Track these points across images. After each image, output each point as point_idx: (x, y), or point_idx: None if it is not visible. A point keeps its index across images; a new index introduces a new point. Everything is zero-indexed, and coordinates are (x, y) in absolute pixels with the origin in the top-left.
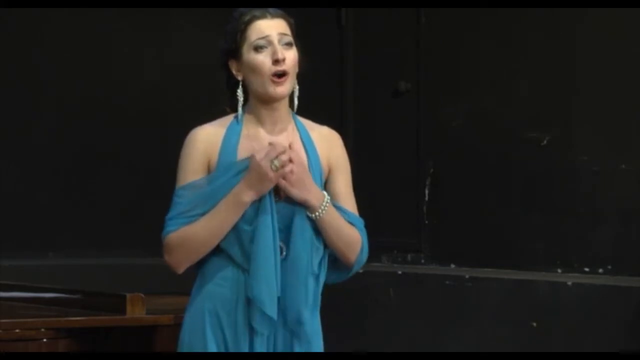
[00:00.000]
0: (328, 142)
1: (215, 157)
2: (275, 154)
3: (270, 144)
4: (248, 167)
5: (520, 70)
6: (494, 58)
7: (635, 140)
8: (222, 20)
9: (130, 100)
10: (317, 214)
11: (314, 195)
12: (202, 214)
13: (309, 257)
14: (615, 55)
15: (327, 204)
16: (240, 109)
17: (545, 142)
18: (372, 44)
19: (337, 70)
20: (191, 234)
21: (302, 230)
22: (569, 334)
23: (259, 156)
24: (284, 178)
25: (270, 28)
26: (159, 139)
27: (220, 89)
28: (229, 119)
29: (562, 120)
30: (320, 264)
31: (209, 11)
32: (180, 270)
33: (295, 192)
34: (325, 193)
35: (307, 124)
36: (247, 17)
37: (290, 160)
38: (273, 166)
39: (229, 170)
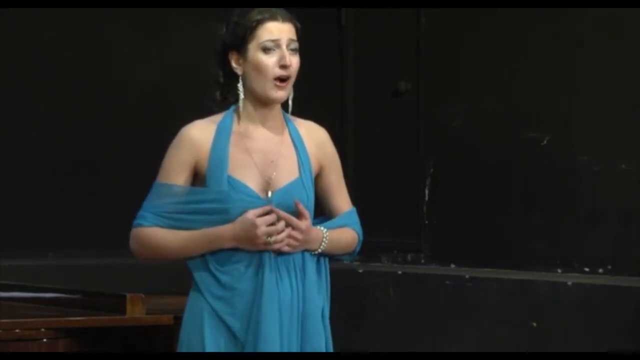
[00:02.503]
0: (316, 140)
1: (205, 155)
2: (275, 232)
3: (272, 210)
4: (239, 203)
5: (520, 70)
6: (494, 58)
7: (635, 140)
8: (222, 20)
9: (130, 100)
10: (318, 251)
11: (312, 242)
12: (179, 226)
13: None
14: (615, 55)
15: (325, 238)
16: (241, 102)
17: (545, 142)
18: (372, 44)
19: (337, 70)
20: (161, 241)
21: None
22: (569, 334)
23: (259, 222)
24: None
25: (281, 32)
26: (159, 138)
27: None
28: (220, 115)
29: (562, 120)
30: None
31: (209, 11)
32: (140, 260)
33: (294, 251)
34: (322, 230)
35: (295, 120)
36: (258, 16)
37: (292, 227)
38: (267, 240)
39: (220, 198)
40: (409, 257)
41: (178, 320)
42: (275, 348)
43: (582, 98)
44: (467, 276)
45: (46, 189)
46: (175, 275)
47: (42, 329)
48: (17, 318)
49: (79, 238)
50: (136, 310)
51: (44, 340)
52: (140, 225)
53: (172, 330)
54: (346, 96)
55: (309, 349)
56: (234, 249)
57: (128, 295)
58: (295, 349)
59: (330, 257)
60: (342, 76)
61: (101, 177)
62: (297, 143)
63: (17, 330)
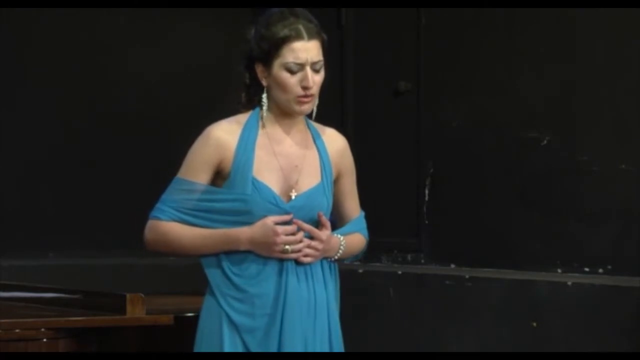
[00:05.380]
0: (337, 148)
1: (230, 155)
2: (294, 242)
3: (295, 223)
4: (262, 206)
5: (520, 70)
6: (494, 58)
7: (635, 140)
8: (222, 20)
9: (130, 101)
10: (334, 258)
11: (330, 251)
12: (197, 223)
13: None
14: (615, 55)
15: (342, 246)
16: (265, 112)
17: (545, 142)
18: (372, 44)
19: (337, 70)
20: (177, 237)
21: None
22: (569, 334)
23: (280, 230)
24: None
25: (307, 52)
26: (159, 139)
27: (219, 90)
28: (245, 115)
29: (562, 120)
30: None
31: (209, 11)
32: (150, 250)
33: (314, 260)
34: (340, 237)
35: (317, 126)
36: (284, 32)
37: (314, 237)
38: (285, 249)
39: (244, 199)
40: (409, 257)
41: (178, 320)
42: (299, 349)
43: (582, 98)
44: (467, 276)
45: (46, 189)
46: (175, 275)
47: (42, 329)
48: (17, 318)
49: (79, 238)
50: (136, 310)
51: (44, 340)
52: (158, 218)
53: (172, 330)
54: (346, 96)
55: (328, 348)
56: (248, 252)
57: (128, 295)
58: (314, 349)
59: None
60: (342, 76)
61: (101, 177)
62: (321, 148)
63: (17, 330)
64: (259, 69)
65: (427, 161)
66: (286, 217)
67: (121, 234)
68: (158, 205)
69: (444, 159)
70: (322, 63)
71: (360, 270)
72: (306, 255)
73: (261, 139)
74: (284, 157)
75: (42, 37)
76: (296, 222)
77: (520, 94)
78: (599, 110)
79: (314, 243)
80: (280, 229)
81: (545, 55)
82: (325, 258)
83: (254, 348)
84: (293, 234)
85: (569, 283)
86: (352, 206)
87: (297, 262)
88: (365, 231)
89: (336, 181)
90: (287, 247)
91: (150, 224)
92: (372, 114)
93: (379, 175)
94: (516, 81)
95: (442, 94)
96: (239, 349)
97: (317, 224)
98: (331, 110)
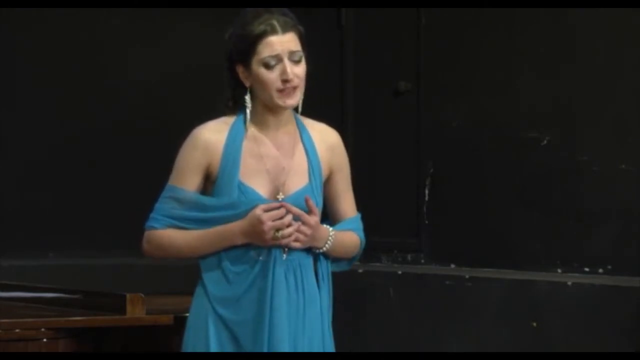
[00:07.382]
0: (328, 144)
1: (217, 157)
2: (282, 226)
3: (283, 205)
4: (249, 210)
5: (520, 70)
6: (494, 58)
7: (635, 140)
8: (222, 20)
9: (130, 101)
10: (323, 249)
11: (318, 239)
12: (191, 228)
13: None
14: (615, 55)
15: (331, 237)
16: (248, 114)
17: (545, 142)
18: (372, 44)
19: (337, 70)
20: (173, 242)
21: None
22: (569, 334)
23: (265, 217)
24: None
25: (282, 45)
26: (159, 139)
27: (219, 90)
28: (232, 117)
29: (562, 120)
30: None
31: (209, 11)
32: (153, 259)
33: (302, 246)
34: (329, 228)
35: (307, 122)
36: (258, 30)
37: (303, 222)
38: (275, 234)
39: (231, 205)
40: (409, 257)
41: (178, 320)
42: (285, 348)
43: (582, 98)
44: (467, 276)
45: (46, 189)
46: (175, 275)
47: (42, 329)
48: (17, 318)
49: (79, 238)
50: (136, 310)
51: (44, 340)
52: (153, 227)
53: (172, 330)
54: (346, 96)
55: (317, 349)
56: (247, 247)
57: (128, 295)
58: (303, 348)
59: (332, 259)
60: (342, 76)
61: (101, 177)
62: (309, 148)
63: (17, 330)
64: (240, 70)
65: (427, 161)
66: (275, 205)
67: (121, 234)
68: (152, 215)
69: (444, 159)
70: (301, 54)
71: (360, 270)
72: (296, 240)
73: (247, 141)
74: (270, 159)
75: (42, 37)
76: (285, 205)
77: (520, 94)
78: (599, 110)
79: (302, 228)
80: (265, 215)
81: (545, 55)
82: (315, 248)
83: (244, 339)
84: (281, 218)
85: (569, 283)
86: (347, 205)
87: (288, 251)
88: (361, 232)
89: (328, 179)
90: (277, 233)
91: (147, 235)
92: (372, 114)
93: (379, 175)
94: (516, 81)
95: (442, 94)
96: (225, 344)
97: (306, 211)
98: (331, 110)
